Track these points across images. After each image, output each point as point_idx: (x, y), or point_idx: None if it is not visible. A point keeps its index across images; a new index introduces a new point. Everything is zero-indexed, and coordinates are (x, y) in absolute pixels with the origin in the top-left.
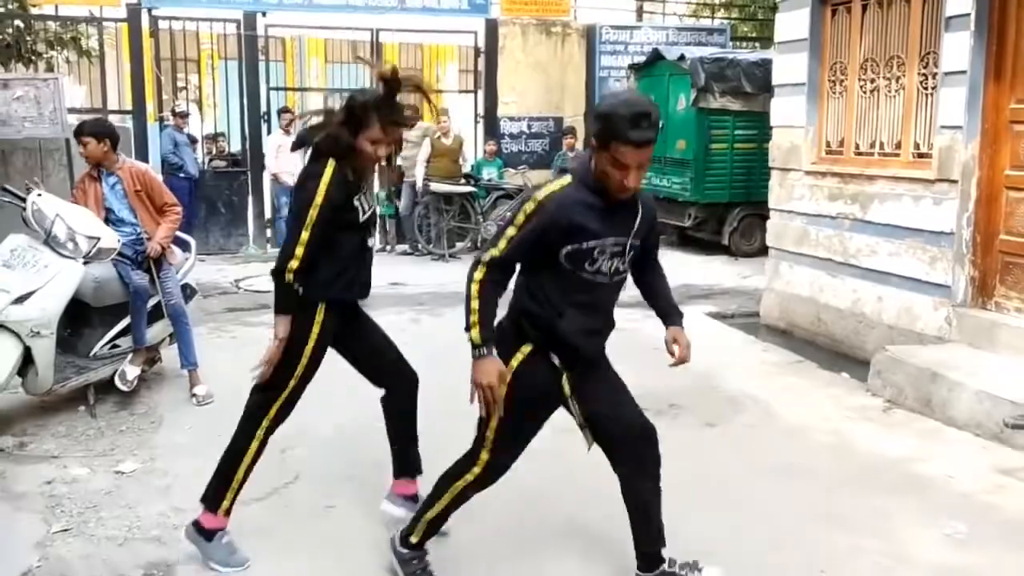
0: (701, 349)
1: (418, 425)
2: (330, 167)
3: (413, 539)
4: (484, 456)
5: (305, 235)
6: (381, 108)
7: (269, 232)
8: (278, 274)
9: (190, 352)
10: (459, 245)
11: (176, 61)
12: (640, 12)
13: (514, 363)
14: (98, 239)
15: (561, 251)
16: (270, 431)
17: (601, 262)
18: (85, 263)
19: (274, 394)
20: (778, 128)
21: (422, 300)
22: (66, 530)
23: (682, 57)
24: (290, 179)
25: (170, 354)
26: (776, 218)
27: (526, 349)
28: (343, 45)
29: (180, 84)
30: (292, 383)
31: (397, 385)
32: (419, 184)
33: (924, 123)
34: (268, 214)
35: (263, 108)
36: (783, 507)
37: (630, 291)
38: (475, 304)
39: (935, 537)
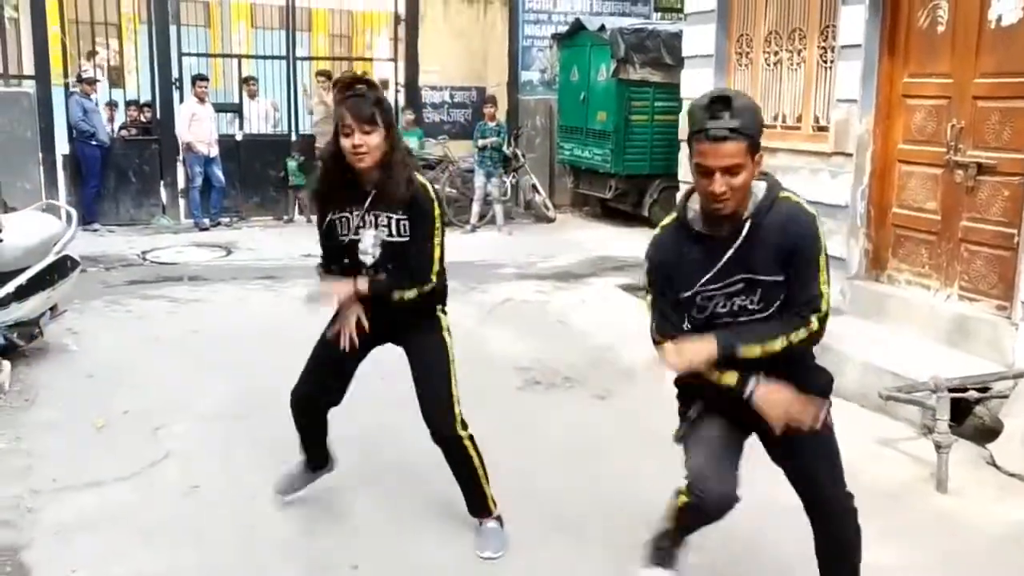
0: (605, 321)
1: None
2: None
3: None
4: None
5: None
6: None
7: (183, 203)
8: None
9: None
10: None
11: (95, 25)
12: None
13: None
14: None
15: None
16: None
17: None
18: None
19: None
20: (688, 100)
21: None
22: None
23: (602, 28)
24: (204, 148)
25: (51, 329)
26: (686, 189)
27: None
28: (271, 10)
29: (97, 49)
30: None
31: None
32: None
33: (823, 96)
34: (182, 184)
35: (175, 75)
36: (662, 475)
37: (542, 264)
38: None
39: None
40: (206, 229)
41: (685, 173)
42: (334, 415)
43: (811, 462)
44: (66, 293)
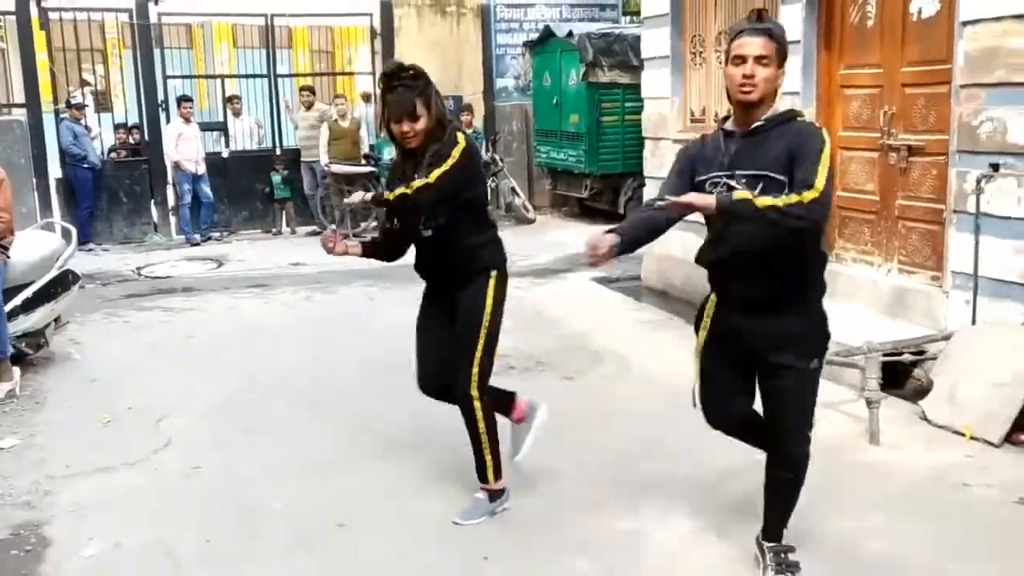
0: (579, 311)
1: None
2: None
3: None
4: None
5: None
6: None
7: (174, 220)
8: None
9: None
10: (364, 224)
11: (81, 52)
12: None
13: None
14: None
15: None
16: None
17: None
18: None
19: None
20: (648, 99)
21: (319, 279)
22: None
23: (570, 34)
24: (191, 166)
25: (56, 339)
26: (651, 185)
27: None
28: (252, 29)
29: (84, 75)
30: None
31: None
32: (323, 165)
33: None
34: (172, 202)
35: (160, 97)
36: (618, 444)
37: (521, 263)
38: None
39: (743, 463)
40: (197, 244)
41: (650, 168)
42: (329, 396)
43: (778, 402)
44: (68, 305)
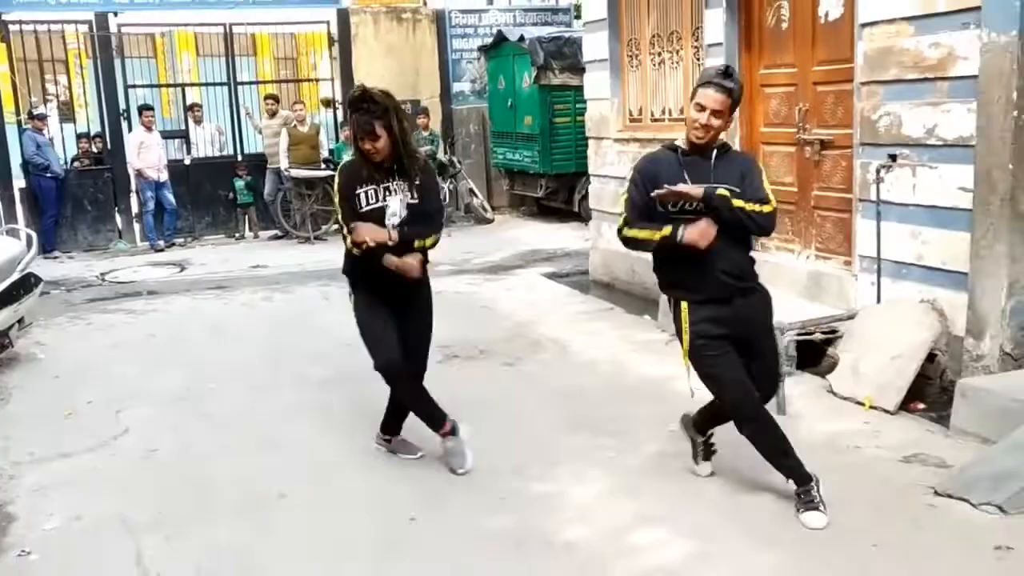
0: (525, 304)
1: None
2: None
3: None
4: None
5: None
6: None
7: (138, 227)
8: None
9: None
10: (324, 227)
11: (43, 63)
12: None
13: None
14: None
15: None
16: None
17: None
18: None
19: None
20: (591, 100)
21: (279, 280)
22: None
23: (521, 38)
24: (154, 173)
25: (20, 342)
26: (595, 182)
27: None
28: (214, 38)
29: (48, 86)
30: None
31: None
32: (283, 170)
33: None
34: (135, 209)
35: (122, 106)
36: (546, 419)
37: (476, 261)
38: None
39: (659, 434)
40: (161, 250)
41: (594, 166)
42: (280, 384)
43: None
44: (31, 307)
